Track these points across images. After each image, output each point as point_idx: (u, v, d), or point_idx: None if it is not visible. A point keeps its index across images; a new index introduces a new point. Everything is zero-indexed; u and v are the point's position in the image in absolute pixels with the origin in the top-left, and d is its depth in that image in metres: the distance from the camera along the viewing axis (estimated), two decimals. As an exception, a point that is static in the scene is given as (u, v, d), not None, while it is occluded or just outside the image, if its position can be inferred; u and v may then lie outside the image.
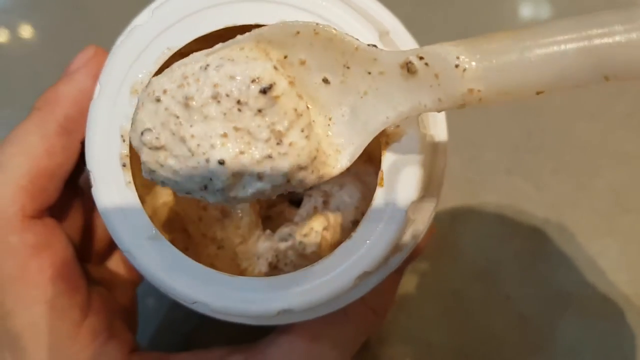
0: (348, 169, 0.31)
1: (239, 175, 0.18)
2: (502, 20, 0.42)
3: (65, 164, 0.25)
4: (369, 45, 0.18)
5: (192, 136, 0.17)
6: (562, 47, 0.15)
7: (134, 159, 0.21)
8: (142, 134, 0.18)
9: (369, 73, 0.18)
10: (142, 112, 0.18)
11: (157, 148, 0.18)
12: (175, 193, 0.29)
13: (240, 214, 0.28)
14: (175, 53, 0.20)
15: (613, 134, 0.38)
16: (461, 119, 0.38)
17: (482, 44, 0.16)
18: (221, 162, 0.17)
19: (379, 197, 0.21)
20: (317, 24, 0.18)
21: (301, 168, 0.18)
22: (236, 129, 0.17)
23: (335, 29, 0.18)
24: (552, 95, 0.42)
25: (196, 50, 0.19)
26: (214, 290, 0.21)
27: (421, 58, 0.17)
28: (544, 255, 0.36)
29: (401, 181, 0.21)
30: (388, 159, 0.21)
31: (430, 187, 0.26)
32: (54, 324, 0.23)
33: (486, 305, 0.36)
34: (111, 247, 0.32)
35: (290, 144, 0.18)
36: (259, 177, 0.18)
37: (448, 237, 0.37)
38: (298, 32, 0.18)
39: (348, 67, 0.18)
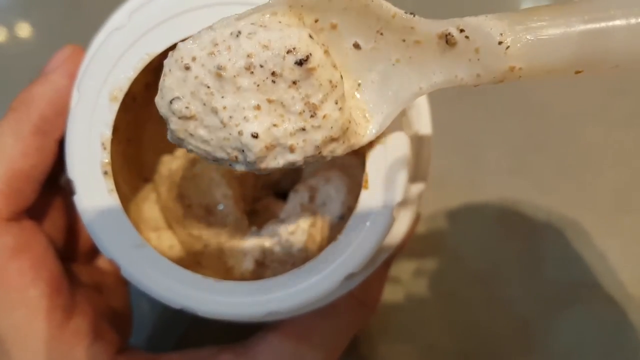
0: (334, 161, 0.32)
1: (271, 147, 0.17)
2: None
3: (41, 164, 0.24)
4: (406, 13, 0.17)
5: (224, 108, 0.17)
6: (610, 23, 0.15)
7: (115, 167, 0.21)
8: (170, 102, 0.17)
9: (404, 41, 0.17)
10: (170, 78, 0.17)
11: (187, 118, 0.17)
12: (164, 194, 0.29)
13: (225, 212, 0.28)
14: (158, 58, 0.20)
15: (615, 134, 0.38)
16: (462, 119, 0.39)
17: (526, 19, 0.16)
18: (254, 136, 0.17)
19: (364, 199, 0.21)
20: None
21: (333, 139, 0.18)
22: (269, 101, 0.17)
23: None
24: (554, 94, 0.41)
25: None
26: (200, 295, 0.21)
27: (462, 30, 0.16)
28: (546, 255, 0.36)
29: (386, 183, 0.21)
30: (372, 160, 0.21)
31: (414, 180, 0.26)
32: (37, 326, 0.23)
33: (487, 306, 0.36)
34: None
35: (324, 117, 0.17)
36: (291, 149, 0.17)
37: (449, 238, 0.37)
38: None
39: (381, 34, 0.18)
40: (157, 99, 0.18)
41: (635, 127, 0.38)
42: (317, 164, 0.31)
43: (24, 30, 0.42)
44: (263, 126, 0.17)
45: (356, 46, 0.18)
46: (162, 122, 0.33)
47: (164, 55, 0.20)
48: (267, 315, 0.21)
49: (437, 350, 0.35)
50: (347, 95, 0.18)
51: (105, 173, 0.20)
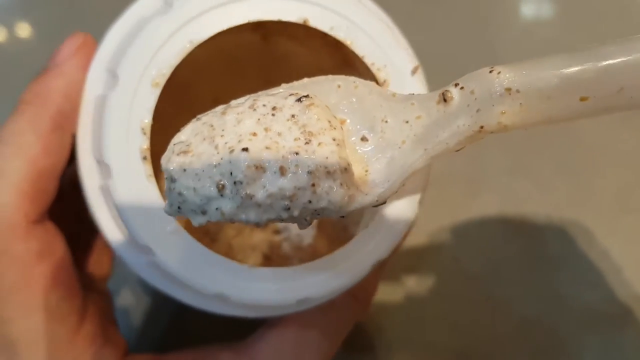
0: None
1: (260, 169, 0.16)
2: (503, 17, 0.42)
3: (61, 161, 0.24)
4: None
5: (222, 136, 0.17)
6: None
7: (154, 153, 0.21)
8: (174, 145, 0.18)
9: (407, 122, 0.18)
10: (180, 134, 0.18)
11: (185, 152, 0.17)
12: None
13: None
14: (198, 46, 0.20)
15: (615, 133, 0.39)
16: None
17: (516, 64, 0.16)
18: (244, 149, 0.16)
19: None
20: (356, 79, 0.19)
21: (329, 173, 0.17)
22: (267, 129, 0.17)
23: (374, 84, 0.19)
24: None
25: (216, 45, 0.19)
26: (235, 281, 0.21)
27: (456, 85, 0.17)
28: (546, 256, 0.36)
29: (413, 173, 0.22)
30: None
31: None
32: (53, 330, 0.23)
33: (487, 307, 0.36)
34: (87, 251, 0.31)
35: (320, 144, 0.17)
36: (282, 171, 0.16)
37: (448, 238, 0.37)
38: (339, 86, 0.19)
39: (386, 121, 0.18)
40: (163, 157, 0.18)
41: (635, 127, 0.39)
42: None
43: (23, 30, 0.41)
44: (256, 146, 0.17)
45: (364, 139, 0.19)
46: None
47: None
48: (299, 302, 0.21)
49: (437, 350, 0.35)
50: (356, 173, 0.18)
51: (145, 158, 0.20)
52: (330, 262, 0.22)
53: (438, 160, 0.18)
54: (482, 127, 0.17)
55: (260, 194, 0.17)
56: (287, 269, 0.21)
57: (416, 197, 0.22)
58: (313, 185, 0.17)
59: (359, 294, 0.29)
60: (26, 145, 0.23)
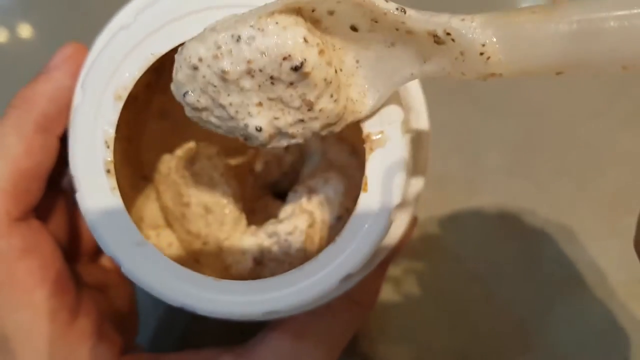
0: (332, 163, 0.32)
1: (274, 135, 0.20)
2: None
3: (46, 162, 0.24)
4: (397, 9, 0.18)
5: (230, 104, 0.19)
6: (599, 26, 0.15)
7: (116, 165, 0.21)
8: (183, 95, 0.19)
9: (397, 29, 0.18)
10: (180, 74, 0.19)
11: (199, 109, 0.19)
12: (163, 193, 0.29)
13: (224, 211, 0.28)
14: (160, 58, 0.20)
15: (615, 133, 0.38)
16: (462, 119, 0.39)
17: (511, 24, 0.17)
18: (258, 129, 0.19)
19: (363, 202, 0.21)
20: None
21: (330, 125, 0.20)
22: (270, 98, 0.19)
23: None
24: (553, 94, 0.41)
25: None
26: (200, 293, 0.21)
27: (448, 34, 0.17)
28: (545, 255, 0.36)
29: (384, 186, 0.21)
30: (372, 164, 0.21)
31: (412, 177, 0.26)
32: (43, 326, 0.23)
33: (486, 307, 0.36)
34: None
35: (321, 110, 0.19)
36: (292, 136, 0.20)
37: (448, 238, 0.37)
38: None
39: (376, 22, 0.19)
40: (172, 88, 0.20)
41: (634, 127, 0.38)
42: (316, 166, 0.32)
43: (25, 30, 0.42)
44: (265, 120, 0.19)
45: (354, 28, 0.19)
46: (161, 122, 0.33)
47: (167, 56, 0.20)
48: (265, 314, 0.21)
49: (436, 350, 0.35)
50: (347, 73, 0.20)
51: (108, 171, 0.20)
52: (298, 276, 0.21)
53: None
54: (463, 79, 0.18)
55: (277, 145, 0.20)
56: (254, 282, 0.21)
57: (388, 208, 0.21)
58: (318, 133, 0.20)
59: (360, 298, 0.29)
60: (8, 146, 0.23)
